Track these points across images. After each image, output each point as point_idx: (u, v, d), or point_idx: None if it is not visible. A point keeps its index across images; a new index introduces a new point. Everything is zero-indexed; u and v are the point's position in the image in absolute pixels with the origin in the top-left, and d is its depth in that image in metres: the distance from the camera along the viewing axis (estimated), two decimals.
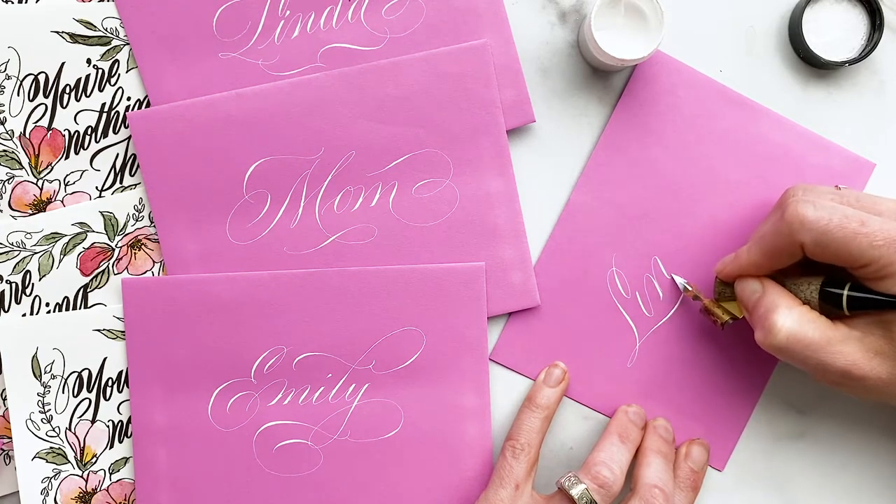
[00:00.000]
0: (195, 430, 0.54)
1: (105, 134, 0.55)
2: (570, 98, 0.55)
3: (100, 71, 0.55)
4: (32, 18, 0.54)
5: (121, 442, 0.55)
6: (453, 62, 0.53)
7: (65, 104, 0.55)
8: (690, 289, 0.53)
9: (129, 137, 0.55)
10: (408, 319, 0.54)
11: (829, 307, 0.46)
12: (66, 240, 0.55)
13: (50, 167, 0.55)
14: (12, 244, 0.55)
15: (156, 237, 0.55)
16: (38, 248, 0.55)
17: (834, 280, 0.46)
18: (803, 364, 0.46)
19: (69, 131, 0.55)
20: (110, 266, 0.55)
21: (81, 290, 0.55)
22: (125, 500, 0.55)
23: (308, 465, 0.54)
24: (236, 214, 0.54)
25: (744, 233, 0.54)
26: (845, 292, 0.45)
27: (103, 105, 0.55)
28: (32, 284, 0.55)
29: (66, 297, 0.55)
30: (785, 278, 0.48)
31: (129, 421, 0.55)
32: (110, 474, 0.55)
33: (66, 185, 0.55)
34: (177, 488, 0.54)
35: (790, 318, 0.45)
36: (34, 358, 0.55)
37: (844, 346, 0.45)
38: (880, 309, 0.44)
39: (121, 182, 0.55)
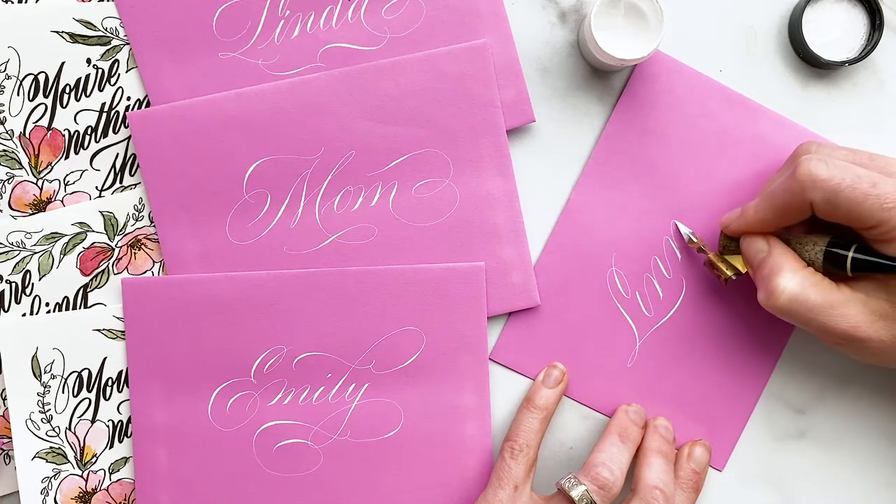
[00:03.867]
0: (195, 430, 0.54)
1: (105, 134, 0.55)
2: (570, 98, 0.55)
3: (100, 71, 0.55)
4: (32, 18, 0.54)
5: (121, 442, 0.55)
6: (453, 62, 0.53)
7: (65, 104, 0.55)
8: (696, 240, 0.52)
9: (129, 137, 0.55)
10: (408, 319, 0.54)
11: (832, 268, 0.46)
12: (66, 240, 0.55)
13: (50, 167, 0.55)
14: (12, 244, 0.55)
15: (156, 237, 0.55)
16: (38, 248, 0.55)
17: (839, 241, 0.46)
18: (806, 326, 0.46)
19: (69, 131, 0.55)
20: (110, 266, 0.55)
21: (81, 290, 0.55)
22: (125, 500, 0.55)
23: (308, 464, 0.54)
24: (236, 214, 0.54)
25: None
26: (850, 254, 0.45)
27: (103, 105, 0.55)
28: (32, 284, 0.55)
29: (66, 297, 0.55)
30: (790, 237, 0.48)
31: (129, 421, 0.55)
32: (110, 474, 0.55)
33: (66, 184, 0.55)
34: (177, 488, 0.54)
35: (793, 281, 0.45)
36: (34, 358, 0.55)
37: (847, 309, 0.45)
38: (884, 272, 0.44)
39: (121, 182, 0.55)
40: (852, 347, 0.46)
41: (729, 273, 0.51)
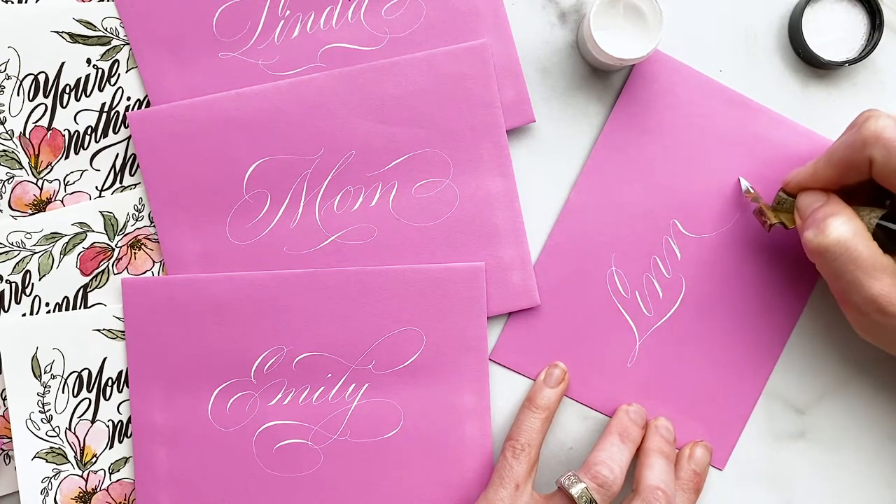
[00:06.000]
0: (195, 430, 0.54)
1: (105, 134, 0.55)
2: (569, 98, 0.55)
3: (100, 71, 0.55)
4: (32, 18, 0.54)
5: (121, 442, 0.55)
6: (453, 62, 0.53)
7: (65, 104, 0.55)
8: (752, 191, 0.52)
9: (129, 137, 0.55)
10: (408, 319, 0.54)
11: (882, 240, 0.46)
12: (66, 240, 0.55)
13: (50, 167, 0.55)
14: (12, 244, 0.55)
15: (156, 237, 0.55)
16: (38, 248, 0.55)
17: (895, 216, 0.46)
18: (838, 277, 0.45)
19: (69, 131, 0.55)
20: (110, 266, 0.55)
21: (81, 290, 0.55)
22: (125, 500, 0.55)
23: (308, 465, 0.54)
24: (236, 214, 0.54)
25: (743, 231, 0.54)
26: None
27: (103, 105, 0.55)
28: (32, 284, 0.55)
29: (66, 297, 0.55)
30: (849, 202, 0.48)
31: (129, 421, 0.55)
32: (110, 474, 0.55)
33: (65, 184, 0.55)
34: (177, 488, 0.54)
35: (847, 226, 0.45)
36: (34, 358, 0.55)
37: (886, 276, 0.44)
38: None
39: (121, 182, 0.55)
40: (870, 319, 0.45)
41: (774, 220, 0.50)
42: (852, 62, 0.52)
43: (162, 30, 0.54)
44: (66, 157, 0.55)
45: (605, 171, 0.54)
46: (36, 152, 0.55)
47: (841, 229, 0.45)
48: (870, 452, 0.55)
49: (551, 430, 0.55)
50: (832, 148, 0.47)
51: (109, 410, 0.55)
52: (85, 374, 0.55)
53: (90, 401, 0.55)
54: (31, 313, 0.55)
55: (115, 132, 0.55)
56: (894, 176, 0.44)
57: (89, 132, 0.55)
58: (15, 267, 0.55)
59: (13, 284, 0.55)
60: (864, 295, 0.45)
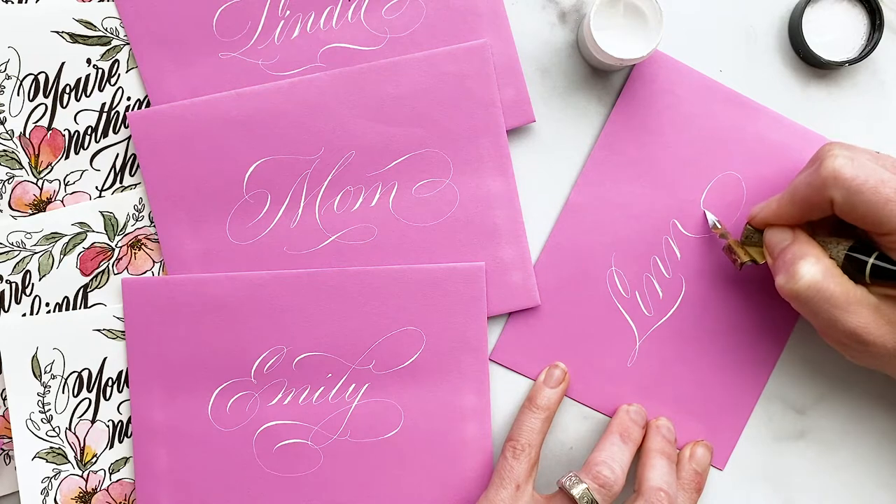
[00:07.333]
0: (195, 430, 0.54)
1: (105, 134, 0.55)
2: (569, 98, 0.55)
3: (100, 71, 0.55)
4: (32, 18, 0.54)
5: (121, 442, 0.55)
6: (453, 62, 0.53)
7: (65, 104, 0.55)
8: (720, 227, 0.53)
9: (129, 137, 0.55)
10: (408, 319, 0.54)
11: (851, 271, 0.46)
12: (66, 240, 0.55)
13: (50, 167, 0.55)
14: (12, 244, 0.55)
15: (156, 237, 0.55)
16: (38, 248, 0.55)
17: (863, 246, 0.46)
18: (815, 316, 0.46)
19: (69, 131, 0.55)
20: (110, 266, 0.55)
21: (81, 290, 0.55)
22: (125, 500, 0.55)
23: (308, 465, 0.54)
24: (236, 214, 0.54)
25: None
26: (871, 260, 0.45)
27: (103, 105, 0.55)
28: (32, 284, 0.55)
29: (66, 297, 0.55)
30: (815, 234, 0.48)
31: (129, 421, 0.55)
32: (110, 474, 0.55)
33: (66, 185, 0.55)
34: (177, 488, 0.54)
35: (815, 268, 0.45)
36: (34, 358, 0.55)
37: (861, 308, 0.45)
38: None
39: (121, 182, 0.55)
40: (853, 349, 0.46)
41: (745, 258, 0.50)
42: (852, 62, 0.52)
43: (162, 30, 0.54)
44: (66, 157, 0.55)
45: (605, 171, 0.54)
46: (36, 152, 0.55)
47: (811, 272, 0.45)
48: (870, 452, 0.55)
49: (551, 431, 0.55)
50: (793, 186, 0.47)
51: (109, 410, 0.55)
52: (85, 374, 0.55)
53: (90, 401, 0.55)
54: (32, 313, 0.55)
55: (115, 132, 0.55)
56: (855, 213, 0.44)
57: (89, 132, 0.55)
58: (15, 267, 0.55)
59: (13, 284, 0.55)
60: (842, 330, 0.45)
